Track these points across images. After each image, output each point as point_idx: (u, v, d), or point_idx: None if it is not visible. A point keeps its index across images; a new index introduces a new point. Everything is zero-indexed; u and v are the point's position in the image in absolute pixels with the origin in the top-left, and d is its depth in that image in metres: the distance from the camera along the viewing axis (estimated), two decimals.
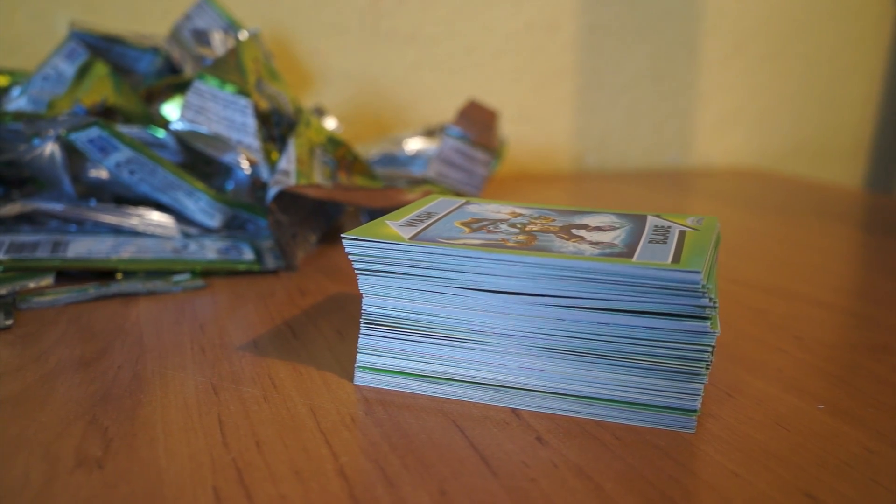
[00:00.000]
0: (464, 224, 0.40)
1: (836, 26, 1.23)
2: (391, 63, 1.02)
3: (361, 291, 0.38)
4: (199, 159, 0.65)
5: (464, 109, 0.77)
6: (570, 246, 0.36)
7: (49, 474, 0.30)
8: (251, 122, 0.62)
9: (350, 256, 0.37)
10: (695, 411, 0.34)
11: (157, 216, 0.61)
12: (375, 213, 0.65)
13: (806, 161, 1.26)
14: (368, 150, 0.83)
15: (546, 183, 1.04)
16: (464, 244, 0.36)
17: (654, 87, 1.16)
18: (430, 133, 0.87)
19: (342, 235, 0.37)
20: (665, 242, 0.36)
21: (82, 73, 0.70)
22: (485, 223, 0.40)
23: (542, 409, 0.36)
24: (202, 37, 0.76)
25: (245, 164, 0.63)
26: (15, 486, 0.30)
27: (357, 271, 0.38)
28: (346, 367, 0.41)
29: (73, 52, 0.71)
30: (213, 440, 0.33)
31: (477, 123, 0.77)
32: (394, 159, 0.82)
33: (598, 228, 0.39)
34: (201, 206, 0.61)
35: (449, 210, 0.43)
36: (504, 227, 0.40)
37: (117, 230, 0.60)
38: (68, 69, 0.70)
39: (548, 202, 0.88)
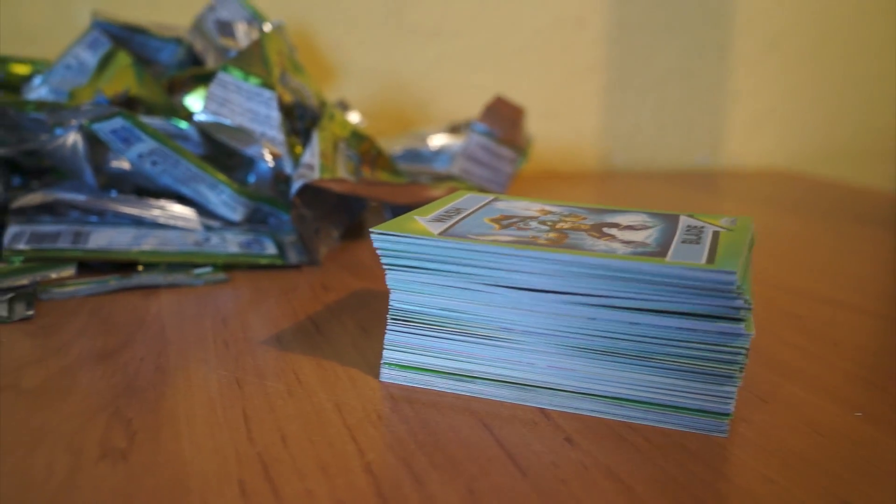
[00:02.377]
0: (493, 221, 0.40)
1: (877, 25, 1.22)
2: (415, 57, 1.02)
3: (389, 287, 0.38)
4: (221, 152, 0.65)
5: (490, 105, 0.77)
6: (602, 244, 0.36)
7: (73, 466, 0.31)
8: (275, 115, 0.62)
9: (378, 251, 0.38)
10: (728, 415, 0.34)
11: (178, 208, 0.62)
12: (399, 209, 0.66)
13: (843, 164, 1.25)
14: (392, 145, 0.84)
15: (572, 182, 1.04)
16: (494, 241, 0.36)
17: (684, 84, 1.16)
18: (454, 129, 0.87)
19: (371, 230, 0.38)
20: (698, 243, 0.36)
21: (104, 62, 0.70)
22: (515, 220, 0.41)
23: (570, 409, 0.36)
24: (226, 28, 0.77)
25: (268, 157, 0.64)
26: (38, 478, 0.30)
27: (385, 266, 0.38)
28: (372, 364, 0.41)
29: (96, 41, 0.72)
30: (238, 434, 0.34)
31: (503, 120, 0.77)
32: (418, 155, 0.83)
33: (630, 227, 0.40)
34: (223, 198, 0.62)
35: (478, 206, 0.43)
36: (534, 224, 0.40)
37: (139, 222, 0.61)
38: (90, 59, 0.71)
39: (576, 201, 0.88)
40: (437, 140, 0.84)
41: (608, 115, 1.13)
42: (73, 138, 0.60)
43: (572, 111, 1.12)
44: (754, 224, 0.41)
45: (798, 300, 0.54)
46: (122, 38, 0.76)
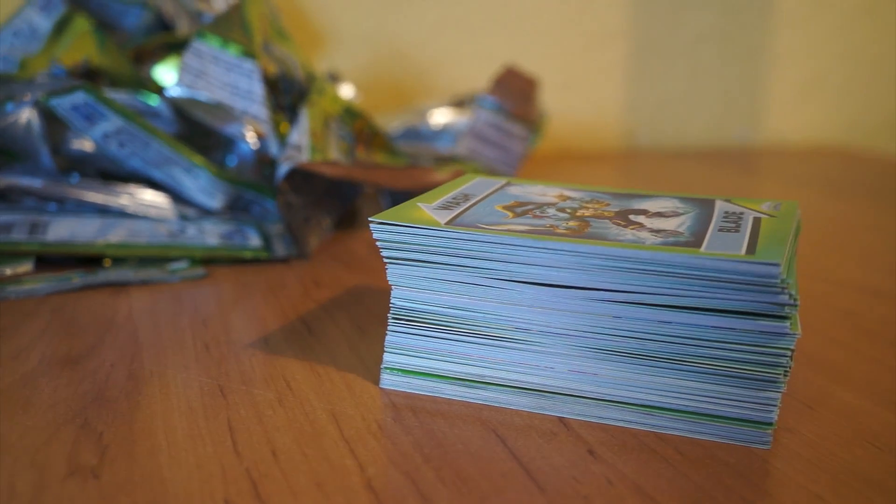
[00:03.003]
0: (506, 208, 0.41)
1: None
2: (414, 22, 1.02)
3: (390, 282, 0.39)
4: (197, 130, 0.66)
5: (499, 77, 0.78)
6: (629, 234, 0.37)
7: (37, 484, 0.32)
8: (258, 89, 0.63)
9: (378, 243, 0.38)
10: (770, 424, 0.35)
11: (150, 195, 0.62)
12: (398, 195, 0.66)
13: None
14: (389, 122, 0.84)
15: (592, 162, 1.04)
16: (508, 230, 0.37)
17: (719, 50, 1.16)
18: (459, 103, 0.88)
19: (370, 219, 0.38)
20: (737, 231, 0.37)
21: (60, 28, 0.71)
22: (530, 207, 0.41)
23: (593, 418, 0.37)
24: None
25: (251, 137, 0.64)
26: None
27: (385, 260, 0.39)
28: (371, 368, 0.42)
29: (49, 3, 0.73)
30: (223, 448, 0.34)
31: (514, 93, 0.78)
32: (417, 133, 0.83)
33: (660, 214, 0.40)
34: (201, 184, 0.62)
35: (488, 192, 0.44)
36: (552, 211, 0.40)
37: (104, 210, 0.61)
38: (43, 23, 0.72)
39: (597, 184, 0.89)
40: (440, 116, 0.85)
41: (632, 86, 1.14)
42: (26, 115, 0.61)
43: (592, 82, 1.12)
44: (800, 208, 0.42)
45: (850, 294, 0.55)
46: None
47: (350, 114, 0.69)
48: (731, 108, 1.19)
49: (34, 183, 0.62)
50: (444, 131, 0.83)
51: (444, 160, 0.75)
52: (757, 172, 1.03)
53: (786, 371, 0.35)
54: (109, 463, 0.33)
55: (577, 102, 1.11)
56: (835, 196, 0.87)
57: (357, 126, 0.69)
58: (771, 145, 1.20)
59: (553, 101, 1.05)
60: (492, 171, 0.75)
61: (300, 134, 0.61)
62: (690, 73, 1.16)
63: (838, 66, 1.21)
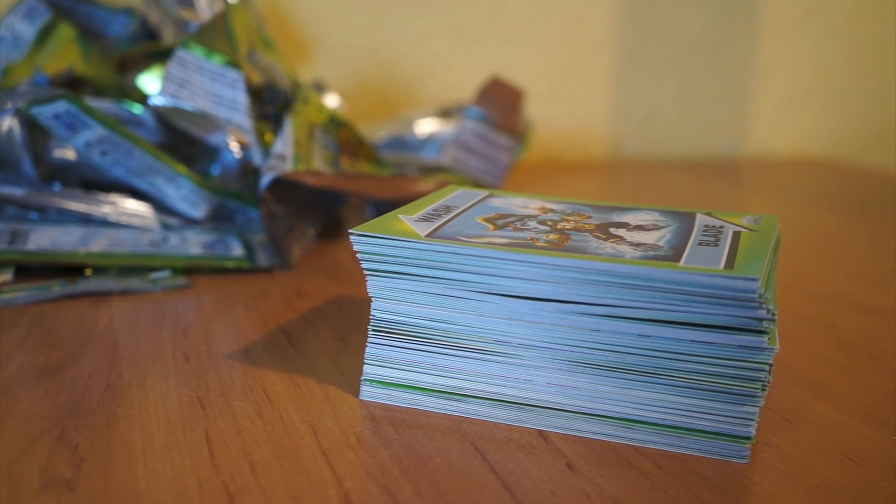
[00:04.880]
0: (487, 220, 0.41)
1: None
2: (400, 31, 1.03)
3: (370, 295, 0.39)
4: (180, 140, 0.66)
5: (485, 87, 0.78)
6: (608, 247, 0.37)
7: (11, 498, 0.32)
8: (242, 98, 0.63)
9: (358, 255, 0.39)
10: (749, 438, 0.35)
11: (132, 204, 0.62)
12: (382, 205, 0.66)
13: (890, 150, 1.26)
14: (374, 131, 0.85)
15: (578, 173, 1.05)
16: (487, 243, 0.37)
17: (707, 60, 1.17)
18: (445, 113, 0.88)
19: (350, 231, 0.38)
20: (717, 245, 0.37)
21: (44, 35, 0.71)
22: (511, 219, 0.41)
23: (572, 431, 0.37)
24: None
25: (234, 146, 0.64)
26: None
27: (366, 272, 0.39)
28: (351, 380, 0.42)
29: (33, 10, 0.73)
30: (200, 460, 0.34)
31: (500, 103, 0.78)
32: (403, 143, 0.84)
33: (640, 227, 0.41)
34: (183, 193, 0.62)
35: (470, 204, 0.44)
36: (533, 224, 0.41)
37: (86, 219, 0.61)
38: (27, 31, 0.72)
39: (579, 194, 0.89)
40: (426, 126, 0.85)
41: (619, 97, 1.14)
42: (8, 124, 0.61)
43: (579, 92, 1.12)
44: (784, 220, 0.42)
45: (830, 307, 0.55)
46: (65, 7, 0.77)
47: (335, 123, 0.69)
48: (718, 120, 1.19)
49: (15, 191, 0.61)
50: (429, 141, 0.84)
51: (429, 170, 0.75)
52: (743, 184, 1.03)
53: (764, 385, 0.35)
54: (85, 475, 0.33)
55: (564, 112, 1.11)
56: (820, 208, 0.87)
57: (342, 136, 0.69)
58: (757, 157, 1.21)
59: (540, 111, 1.05)
60: (477, 181, 0.75)
61: (284, 144, 0.61)
62: (677, 85, 1.16)
63: (825, 78, 1.22)
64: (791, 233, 0.74)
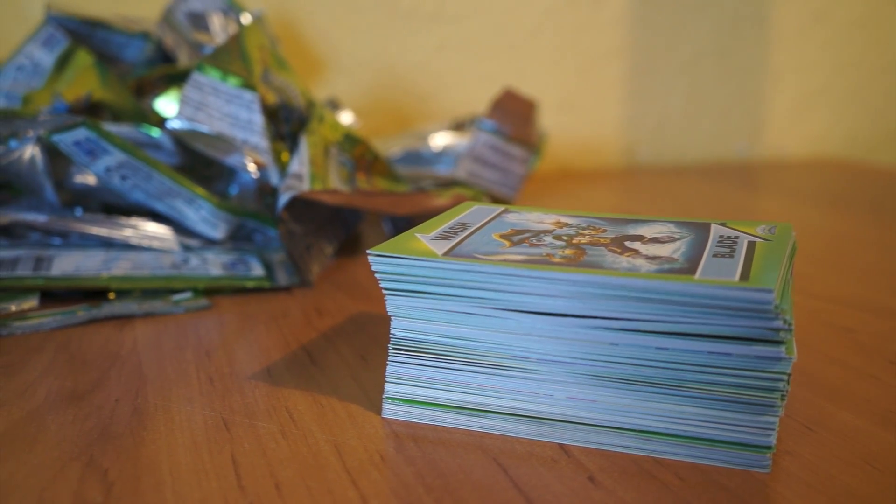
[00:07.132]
0: (503, 237, 0.41)
1: None
2: (412, 46, 1.03)
3: (390, 314, 0.39)
4: (198, 162, 0.67)
5: (498, 100, 0.78)
6: (624, 261, 0.37)
7: None
8: (258, 119, 0.63)
9: (377, 275, 0.39)
10: (769, 448, 0.35)
11: (153, 227, 0.63)
12: (399, 221, 0.67)
13: None
14: (389, 146, 0.85)
15: (592, 181, 1.05)
16: (504, 260, 0.37)
17: (718, 66, 1.17)
18: (458, 126, 0.88)
19: (368, 251, 0.39)
20: (732, 256, 0.37)
21: (62, 62, 0.72)
22: (527, 235, 0.42)
23: (593, 444, 0.37)
24: (199, 20, 0.78)
25: (252, 167, 0.65)
26: None
27: (384, 291, 0.39)
28: (373, 398, 0.42)
29: (51, 38, 0.74)
30: (226, 482, 0.35)
31: (513, 115, 0.78)
32: (418, 157, 0.84)
33: (655, 240, 0.41)
34: (203, 214, 0.63)
35: (486, 220, 0.44)
36: (549, 239, 0.41)
37: (108, 243, 0.62)
38: (46, 58, 0.72)
39: (595, 203, 0.89)
40: (440, 139, 0.86)
41: (632, 105, 1.14)
42: (30, 151, 0.62)
43: (591, 101, 1.13)
44: (799, 224, 0.42)
45: (848, 311, 0.55)
46: (82, 33, 0.77)
47: (350, 140, 0.70)
48: (731, 124, 1.19)
49: (38, 217, 0.62)
50: (444, 154, 0.84)
51: (444, 184, 0.75)
52: (757, 187, 1.03)
53: (783, 395, 0.35)
54: (115, 500, 0.33)
55: (576, 122, 1.12)
56: (835, 210, 0.87)
57: (357, 152, 0.70)
58: (771, 159, 1.21)
59: (553, 121, 1.05)
60: (492, 194, 0.75)
61: (300, 163, 0.62)
62: (689, 90, 1.16)
63: (836, 79, 1.22)
64: (807, 236, 0.74)
